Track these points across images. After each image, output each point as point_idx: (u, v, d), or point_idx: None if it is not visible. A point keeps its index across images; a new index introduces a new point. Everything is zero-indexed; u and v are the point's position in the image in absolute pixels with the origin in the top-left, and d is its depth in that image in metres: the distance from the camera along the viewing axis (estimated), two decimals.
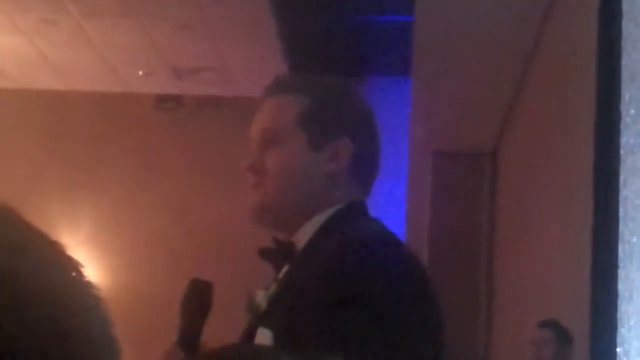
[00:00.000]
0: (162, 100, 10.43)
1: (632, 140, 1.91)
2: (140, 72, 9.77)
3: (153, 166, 10.41)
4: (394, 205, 9.69)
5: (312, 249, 1.78)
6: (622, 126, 1.93)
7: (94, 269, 10.32)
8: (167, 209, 10.25)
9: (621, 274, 1.92)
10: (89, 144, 10.46)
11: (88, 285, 0.77)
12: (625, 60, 1.93)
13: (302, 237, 1.83)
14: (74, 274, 0.75)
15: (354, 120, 1.91)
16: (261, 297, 1.81)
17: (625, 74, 1.91)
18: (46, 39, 8.90)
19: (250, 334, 1.74)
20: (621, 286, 1.91)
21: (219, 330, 1.97)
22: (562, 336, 5.31)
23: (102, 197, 10.30)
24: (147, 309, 9.97)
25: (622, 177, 1.94)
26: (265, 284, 1.84)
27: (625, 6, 1.92)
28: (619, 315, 1.91)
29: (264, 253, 1.86)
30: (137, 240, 10.20)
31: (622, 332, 1.90)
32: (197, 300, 1.86)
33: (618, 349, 1.91)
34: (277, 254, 1.84)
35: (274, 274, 1.86)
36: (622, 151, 1.94)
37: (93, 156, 10.43)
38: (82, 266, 0.76)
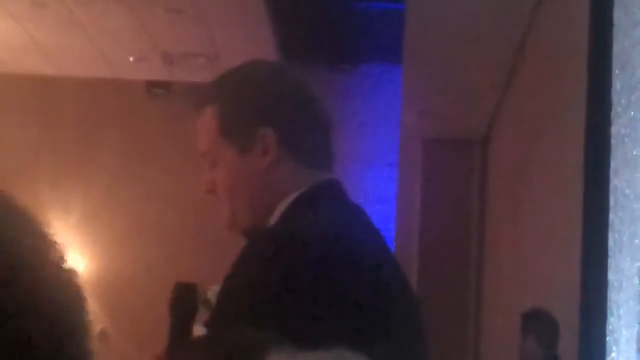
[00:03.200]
0: (153, 86, 10.41)
1: (623, 130, 1.91)
2: (132, 58, 9.74)
3: (144, 152, 10.39)
4: (385, 192, 9.70)
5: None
6: (614, 116, 1.92)
7: (84, 254, 10.31)
8: (157, 195, 10.24)
9: (611, 263, 1.92)
10: (79, 129, 10.43)
11: (69, 274, 0.76)
12: (616, 50, 1.92)
13: None
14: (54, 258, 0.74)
15: (272, 105, 1.84)
16: (212, 293, 1.83)
17: (616, 63, 1.91)
18: (37, 24, 8.87)
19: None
20: (611, 275, 1.91)
21: None
22: (546, 337, 5.27)
23: (93, 183, 10.28)
24: (137, 294, 9.96)
25: (612, 167, 1.94)
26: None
27: None
28: (608, 304, 1.91)
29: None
30: (127, 226, 10.19)
31: (612, 320, 1.90)
32: (183, 303, 1.90)
33: (608, 338, 1.91)
34: None
35: None
36: (613, 141, 1.94)
37: (84, 142, 10.41)
38: (65, 255, 0.75)
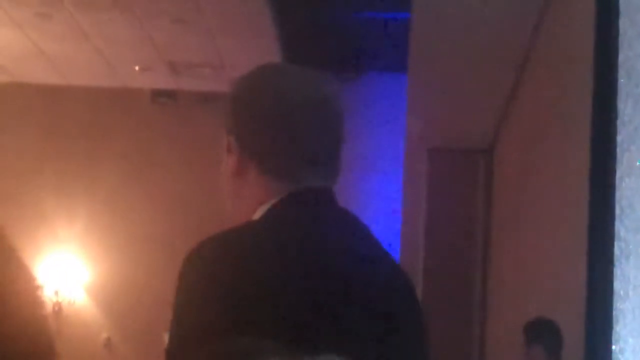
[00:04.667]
0: (158, 95, 10.43)
1: (628, 139, 1.91)
2: (137, 67, 9.76)
3: (149, 160, 10.41)
4: (391, 201, 9.70)
5: None
6: (619, 124, 1.93)
7: (89, 262, 10.31)
8: (162, 203, 10.25)
9: (617, 271, 1.92)
10: (84, 138, 10.45)
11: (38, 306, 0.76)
12: (622, 59, 1.93)
13: None
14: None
15: (241, 116, 1.85)
16: None
17: (622, 72, 1.91)
18: (42, 33, 8.89)
19: None
20: (617, 284, 1.91)
21: None
22: (552, 345, 5.28)
23: (98, 190, 10.30)
24: (141, 301, 9.97)
25: (618, 175, 1.94)
26: None
27: (622, 4, 1.92)
28: (614, 313, 1.91)
29: None
30: (132, 233, 10.20)
31: (618, 329, 1.90)
32: None
33: (613, 347, 1.91)
34: None
35: None
36: (618, 149, 1.94)
37: (89, 150, 10.42)
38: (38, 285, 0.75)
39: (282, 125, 1.82)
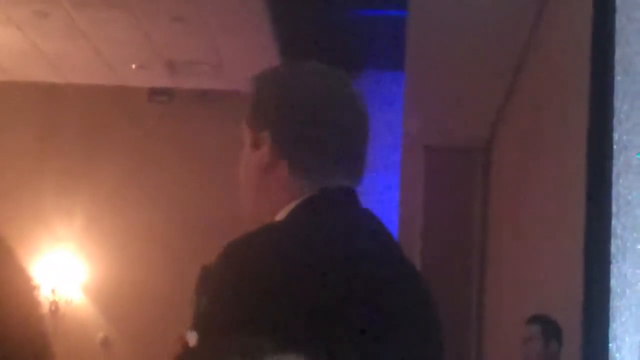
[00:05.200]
0: (156, 93, 10.42)
1: (625, 136, 1.91)
2: (134, 66, 9.75)
3: (147, 159, 10.40)
4: (387, 199, 9.70)
5: None
6: (615, 122, 1.93)
7: (88, 260, 10.31)
8: (160, 202, 10.25)
9: (613, 269, 1.92)
10: (83, 137, 10.44)
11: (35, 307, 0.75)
12: (618, 56, 1.93)
13: None
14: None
15: (276, 110, 1.84)
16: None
17: (619, 69, 1.91)
18: (40, 32, 8.88)
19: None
20: (613, 282, 1.91)
21: None
22: (549, 330, 5.33)
23: (96, 189, 10.29)
24: (140, 299, 9.97)
25: (614, 173, 1.94)
26: None
27: (618, 1, 1.92)
28: (611, 310, 1.91)
29: None
30: (131, 232, 10.20)
31: (614, 327, 1.90)
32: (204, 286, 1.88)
33: (610, 345, 1.91)
34: None
35: None
36: (615, 147, 1.94)
37: (87, 149, 10.42)
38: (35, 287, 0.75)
39: (320, 124, 1.82)
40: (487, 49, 7.21)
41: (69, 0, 8.16)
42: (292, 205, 1.80)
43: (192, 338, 1.70)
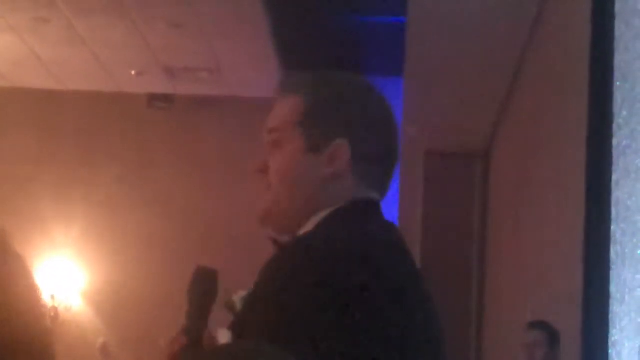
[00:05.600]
0: (155, 99, 10.42)
1: (624, 142, 1.91)
2: (133, 72, 9.75)
3: (146, 164, 10.40)
4: (387, 204, 9.70)
5: None
6: (615, 128, 1.93)
7: (86, 266, 10.30)
8: (159, 208, 10.24)
9: (613, 275, 1.92)
10: (81, 142, 10.44)
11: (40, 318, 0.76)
12: (617, 62, 1.93)
13: None
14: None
15: (355, 120, 1.85)
16: (237, 298, 1.83)
17: (617, 75, 1.92)
18: (38, 38, 8.89)
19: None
20: (613, 287, 1.91)
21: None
22: (552, 337, 5.34)
23: (95, 196, 10.29)
24: (139, 305, 9.96)
25: (614, 178, 1.94)
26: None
27: (617, 7, 1.92)
28: (610, 316, 1.91)
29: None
30: (129, 238, 10.19)
31: (614, 333, 1.90)
32: (203, 287, 1.87)
33: (610, 350, 1.91)
34: None
35: None
36: (614, 152, 1.94)
37: (86, 155, 10.42)
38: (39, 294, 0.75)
39: (389, 139, 1.89)
40: (486, 55, 7.21)
41: (68, 7, 8.16)
42: (329, 210, 1.81)
43: (224, 337, 1.71)
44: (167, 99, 10.41)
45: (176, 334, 1.84)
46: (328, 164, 1.82)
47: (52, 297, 10.11)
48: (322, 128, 1.83)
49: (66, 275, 10.26)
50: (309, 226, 1.80)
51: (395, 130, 1.91)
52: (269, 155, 1.87)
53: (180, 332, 1.84)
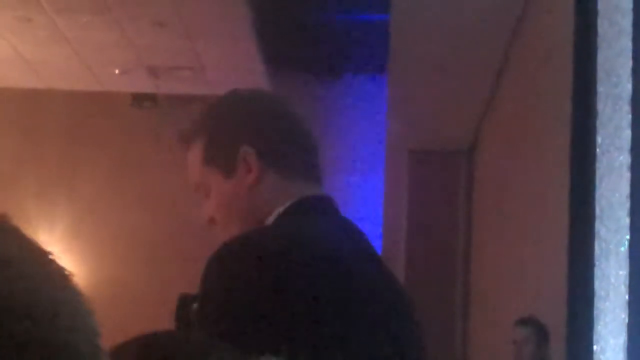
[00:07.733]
0: (139, 98, 10.40)
1: (607, 139, 1.92)
2: (117, 71, 9.73)
3: (129, 164, 10.38)
4: (371, 202, 9.71)
5: None
6: (598, 124, 1.94)
7: (70, 265, 10.28)
8: (144, 207, 10.23)
9: (597, 271, 1.93)
10: (65, 142, 10.42)
11: (77, 297, 0.76)
12: (600, 59, 1.94)
13: None
14: (62, 285, 0.74)
15: (247, 125, 1.89)
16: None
17: (601, 73, 1.92)
18: (21, 37, 8.85)
19: None
20: (597, 284, 1.91)
21: None
22: (541, 333, 5.35)
23: (79, 195, 10.26)
24: (125, 306, 9.94)
25: (598, 175, 1.95)
26: None
27: (600, 4, 1.93)
28: (595, 312, 1.92)
29: None
30: (113, 238, 10.18)
31: (599, 329, 1.90)
32: (186, 314, 1.91)
33: (595, 347, 1.91)
34: None
35: None
36: (597, 149, 1.95)
37: (69, 154, 10.39)
38: (71, 276, 0.76)
39: (296, 134, 1.90)
40: (469, 53, 7.22)
41: (51, 6, 8.13)
42: (279, 211, 1.83)
43: None
44: (151, 98, 10.39)
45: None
46: (246, 175, 1.86)
47: None
48: (223, 150, 1.89)
49: None
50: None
51: (295, 121, 1.93)
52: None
53: None
